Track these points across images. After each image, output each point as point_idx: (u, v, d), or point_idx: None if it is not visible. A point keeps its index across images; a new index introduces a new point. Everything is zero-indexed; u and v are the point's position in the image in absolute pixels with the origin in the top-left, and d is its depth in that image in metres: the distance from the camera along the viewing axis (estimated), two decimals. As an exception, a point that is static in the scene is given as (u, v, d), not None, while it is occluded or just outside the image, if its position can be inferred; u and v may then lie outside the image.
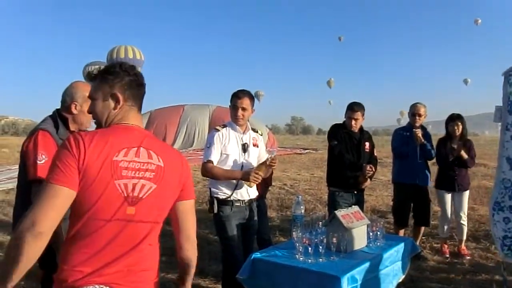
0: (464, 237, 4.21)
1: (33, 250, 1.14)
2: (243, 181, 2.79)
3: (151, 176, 1.32)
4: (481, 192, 7.25)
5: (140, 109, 1.44)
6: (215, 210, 2.81)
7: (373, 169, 3.53)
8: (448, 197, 4.19)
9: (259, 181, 2.76)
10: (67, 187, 1.19)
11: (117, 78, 1.37)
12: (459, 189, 4.14)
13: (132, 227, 1.28)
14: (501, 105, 2.28)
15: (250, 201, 2.90)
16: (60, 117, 2.13)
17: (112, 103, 1.38)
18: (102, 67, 1.44)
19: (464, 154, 4.07)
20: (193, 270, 1.52)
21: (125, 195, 1.27)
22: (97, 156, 1.23)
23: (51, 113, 2.20)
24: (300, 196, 2.74)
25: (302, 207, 2.63)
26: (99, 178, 1.22)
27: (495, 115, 2.28)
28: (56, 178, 1.19)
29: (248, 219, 2.91)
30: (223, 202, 2.81)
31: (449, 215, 4.23)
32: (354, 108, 3.57)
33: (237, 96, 2.85)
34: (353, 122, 3.57)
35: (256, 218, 3.00)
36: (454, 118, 4.20)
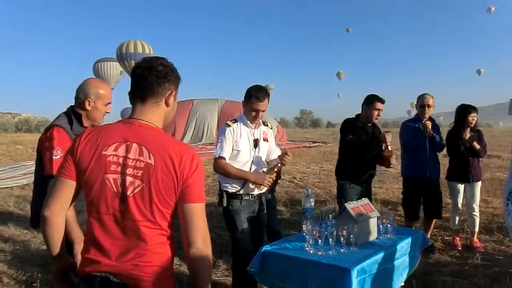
0: (477, 229, 4.16)
1: (45, 232, 1.35)
2: (255, 183, 2.80)
3: (138, 173, 1.28)
4: (495, 184, 7.13)
5: (148, 100, 1.36)
6: (225, 204, 2.82)
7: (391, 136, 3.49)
8: (461, 188, 4.14)
9: (270, 184, 2.84)
10: (67, 178, 1.33)
11: None
12: (472, 179, 4.09)
13: (125, 224, 1.30)
14: None
15: (260, 195, 2.92)
16: (74, 114, 2.19)
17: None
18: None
19: (476, 145, 4.02)
20: (202, 283, 1.31)
21: (115, 190, 1.29)
22: (89, 150, 1.32)
23: (65, 110, 2.26)
24: (309, 189, 2.74)
25: (311, 200, 2.63)
26: (90, 170, 1.31)
27: (510, 108, 2.25)
28: (59, 170, 1.36)
29: (257, 212, 2.93)
30: (232, 196, 2.82)
31: (461, 207, 4.19)
32: (381, 99, 3.55)
33: (257, 98, 2.75)
34: (377, 113, 3.54)
35: (265, 211, 3.01)
36: (473, 110, 4.10)
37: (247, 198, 2.84)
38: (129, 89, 1.42)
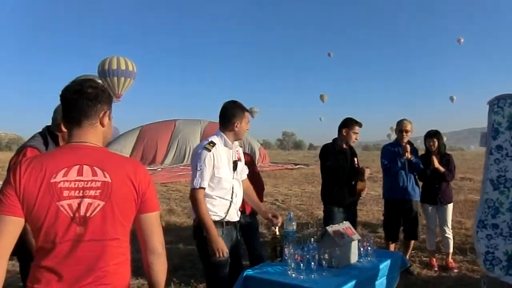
0: (451, 250, 4.29)
1: None
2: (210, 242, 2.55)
3: (96, 193, 1.29)
4: (468, 206, 7.38)
5: (84, 122, 1.37)
6: (205, 233, 2.52)
7: (369, 168, 3.77)
8: (431, 210, 4.30)
9: (216, 254, 2.53)
10: (11, 215, 1.23)
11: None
12: (441, 202, 4.24)
13: (84, 247, 1.27)
14: (486, 131, 2.42)
15: (238, 222, 2.78)
16: (50, 134, 2.14)
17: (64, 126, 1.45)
18: (99, 81, 1.46)
19: (440, 167, 4.21)
20: (162, 284, 1.43)
21: (71, 215, 1.26)
22: (34, 181, 1.25)
23: (40, 130, 2.20)
24: (291, 213, 2.76)
25: (293, 223, 2.64)
26: (39, 202, 1.24)
27: (481, 140, 2.42)
28: (0, 208, 1.24)
29: (235, 239, 2.77)
30: (214, 224, 2.56)
31: (434, 228, 4.33)
32: (358, 123, 3.73)
33: (248, 111, 2.80)
34: (355, 136, 3.72)
35: (241, 237, 2.91)
36: (431, 135, 4.38)
37: (228, 226, 2.66)
38: (61, 114, 1.44)
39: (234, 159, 2.71)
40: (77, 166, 1.30)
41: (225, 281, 2.61)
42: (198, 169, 2.54)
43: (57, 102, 2.18)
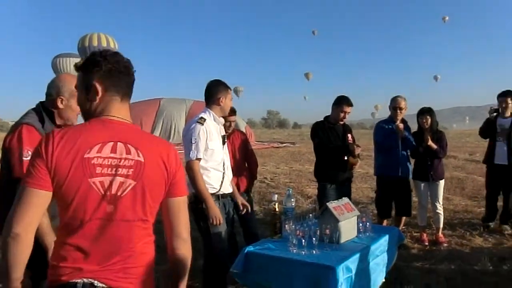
0: (441, 225, 4.38)
1: (14, 251, 1.17)
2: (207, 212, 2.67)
3: (129, 172, 1.25)
4: (454, 183, 7.56)
5: (125, 98, 1.35)
6: (204, 205, 2.66)
7: (359, 146, 3.78)
8: (423, 186, 4.34)
9: (215, 222, 2.66)
10: (39, 188, 1.19)
11: (96, 67, 1.29)
12: (433, 179, 4.28)
13: (114, 226, 1.24)
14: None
15: (232, 194, 2.94)
16: (45, 111, 2.02)
17: (91, 94, 1.31)
18: (74, 59, 1.37)
19: (432, 145, 4.21)
20: (185, 274, 1.41)
21: (102, 193, 1.22)
22: (66, 155, 1.20)
23: (34, 106, 2.07)
24: (290, 189, 2.76)
25: (292, 199, 2.67)
26: (70, 177, 1.20)
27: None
28: (28, 180, 1.20)
29: (231, 215, 2.92)
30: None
31: (426, 205, 4.40)
32: (349, 102, 3.73)
33: (230, 88, 2.89)
34: (343, 115, 3.72)
35: (235, 211, 3.04)
36: (423, 112, 4.36)
37: (223, 199, 2.81)
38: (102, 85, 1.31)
39: (222, 134, 2.84)
40: (111, 143, 1.25)
41: (223, 254, 2.69)
42: (193, 142, 2.66)
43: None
